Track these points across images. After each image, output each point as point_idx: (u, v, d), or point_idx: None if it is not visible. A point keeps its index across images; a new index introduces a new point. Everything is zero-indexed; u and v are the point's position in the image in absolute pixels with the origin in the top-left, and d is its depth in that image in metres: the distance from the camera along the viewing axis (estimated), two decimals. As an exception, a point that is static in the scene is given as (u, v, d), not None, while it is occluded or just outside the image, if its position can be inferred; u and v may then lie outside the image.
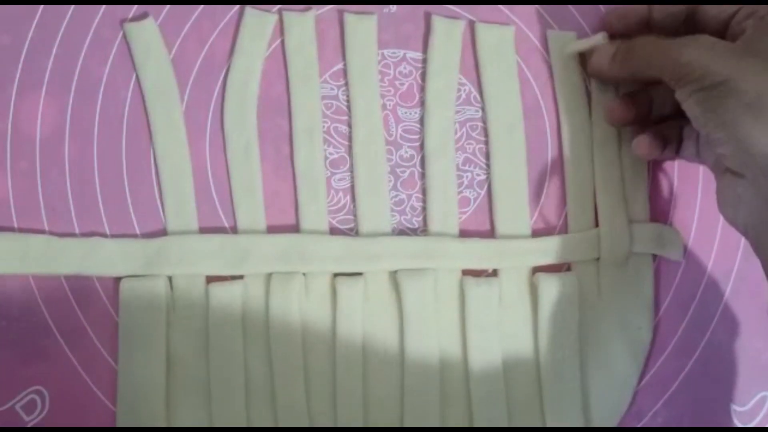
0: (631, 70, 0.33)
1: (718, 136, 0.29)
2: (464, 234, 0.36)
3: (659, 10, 0.33)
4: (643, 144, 0.34)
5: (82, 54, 0.35)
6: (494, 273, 0.36)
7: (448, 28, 0.36)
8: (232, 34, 0.36)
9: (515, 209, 0.36)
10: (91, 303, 0.34)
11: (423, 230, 0.36)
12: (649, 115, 0.35)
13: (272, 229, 0.35)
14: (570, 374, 0.35)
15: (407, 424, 0.34)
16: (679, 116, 0.32)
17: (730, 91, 0.28)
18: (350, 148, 0.36)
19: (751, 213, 0.29)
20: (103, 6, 0.35)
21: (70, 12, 0.35)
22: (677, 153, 0.35)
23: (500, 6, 0.37)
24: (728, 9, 0.31)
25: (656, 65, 0.31)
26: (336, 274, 0.35)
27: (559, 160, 0.36)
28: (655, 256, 0.36)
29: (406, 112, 0.36)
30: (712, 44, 0.30)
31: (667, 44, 0.31)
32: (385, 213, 0.35)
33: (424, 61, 0.36)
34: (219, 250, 0.34)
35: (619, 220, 0.35)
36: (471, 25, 0.36)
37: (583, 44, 0.35)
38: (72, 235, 0.34)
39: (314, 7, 0.36)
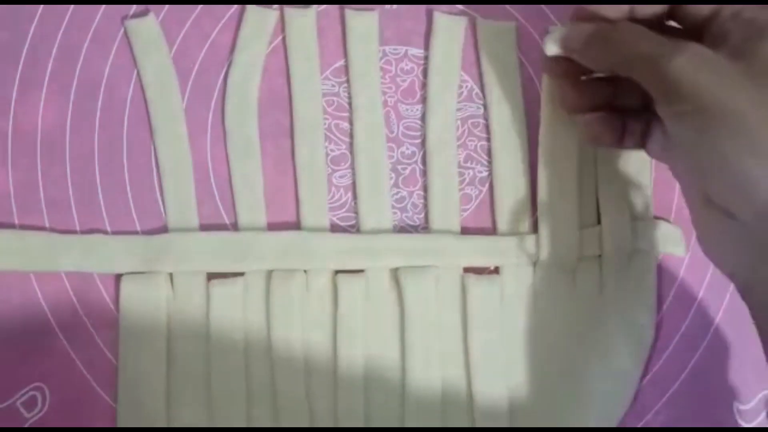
0: (605, 65, 0.28)
1: (707, 166, 0.25)
2: (466, 231, 0.36)
3: (642, 10, 0.28)
4: (591, 127, 0.30)
5: (84, 50, 0.35)
6: (496, 270, 0.35)
7: (449, 25, 0.36)
8: (233, 30, 0.36)
9: (517, 206, 0.35)
10: (92, 300, 0.34)
11: (424, 228, 0.36)
12: (611, 104, 0.31)
13: (273, 226, 0.35)
14: (572, 371, 0.34)
15: (408, 422, 0.34)
16: (647, 111, 0.29)
17: (728, 121, 0.24)
18: (351, 145, 0.35)
19: (739, 256, 0.26)
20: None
21: (71, 8, 0.35)
22: (643, 147, 0.32)
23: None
24: (707, 8, 0.27)
25: (637, 69, 0.26)
26: (337, 272, 0.35)
27: (561, 157, 0.36)
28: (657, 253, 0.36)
29: (407, 109, 0.36)
30: (707, 59, 0.25)
31: (654, 46, 0.26)
32: (387, 210, 0.35)
33: (426, 57, 0.36)
34: (220, 247, 0.34)
35: (622, 217, 0.35)
36: (472, 22, 0.36)
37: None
38: (73, 231, 0.34)
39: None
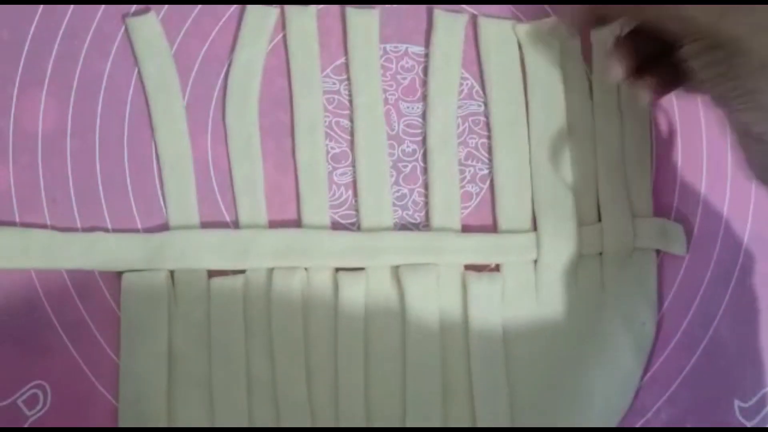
0: (641, 17, 0.30)
1: (735, 102, 0.27)
2: (466, 229, 0.36)
3: None
4: (644, 89, 0.32)
5: (84, 49, 0.35)
6: (497, 268, 0.35)
7: (450, 23, 0.36)
8: (234, 28, 0.36)
9: (518, 204, 0.35)
10: (93, 297, 0.34)
11: (425, 225, 0.36)
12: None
13: (274, 224, 0.35)
14: (573, 369, 0.34)
15: (409, 420, 0.33)
16: (664, 57, 0.31)
17: (740, 51, 0.26)
18: (352, 142, 0.35)
19: None
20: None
21: (71, 8, 0.35)
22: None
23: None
24: None
25: (664, 17, 0.28)
26: (338, 269, 0.35)
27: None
28: (658, 251, 0.36)
29: (408, 107, 0.36)
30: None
31: None
32: (387, 208, 0.35)
33: (427, 55, 0.36)
34: (220, 244, 0.34)
35: (622, 215, 0.35)
36: (473, 20, 0.36)
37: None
38: (74, 229, 0.34)
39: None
